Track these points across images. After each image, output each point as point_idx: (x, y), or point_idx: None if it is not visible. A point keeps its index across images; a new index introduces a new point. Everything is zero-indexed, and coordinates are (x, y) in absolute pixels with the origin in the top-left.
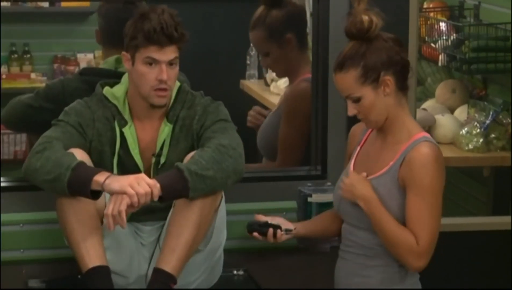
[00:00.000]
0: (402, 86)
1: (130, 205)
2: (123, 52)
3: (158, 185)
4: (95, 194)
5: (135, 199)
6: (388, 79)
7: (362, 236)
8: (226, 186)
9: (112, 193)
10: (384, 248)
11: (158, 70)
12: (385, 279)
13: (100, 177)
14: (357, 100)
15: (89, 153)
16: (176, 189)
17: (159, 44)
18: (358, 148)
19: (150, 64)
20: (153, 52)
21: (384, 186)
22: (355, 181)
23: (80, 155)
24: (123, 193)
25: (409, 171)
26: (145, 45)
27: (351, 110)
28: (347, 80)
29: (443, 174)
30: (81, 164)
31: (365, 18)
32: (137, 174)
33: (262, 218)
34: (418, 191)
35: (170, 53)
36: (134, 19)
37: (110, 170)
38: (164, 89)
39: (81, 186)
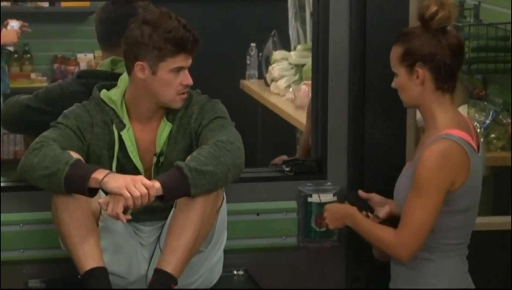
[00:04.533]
0: (439, 87)
1: (127, 207)
2: (138, 62)
3: (156, 185)
4: (91, 192)
5: (130, 202)
6: (422, 72)
7: None
8: (227, 180)
9: (108, 192)
10: None
11: (182, 76)
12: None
13: (99, 175)
14: (395, 75)
15: (88, 157)
16: (177, 187)
17: (189, 52)
18: None
19: (178, 71)
20: (182, 61)
21: (407, 178)
22: (332, 210)
23: (76, 156)
24: (119, 194)
25: (416, 171)
26: (174, 54)
27: (393, 82)
28: (393, 53)
29: (449, 173)
30: (80, 160)
31: (433, 8)
32: (137, 174)
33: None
34: (416, 185)
35: (191, 57)
36: (142, 25)
37: None
38: (186, 92)
39: (79, 183)
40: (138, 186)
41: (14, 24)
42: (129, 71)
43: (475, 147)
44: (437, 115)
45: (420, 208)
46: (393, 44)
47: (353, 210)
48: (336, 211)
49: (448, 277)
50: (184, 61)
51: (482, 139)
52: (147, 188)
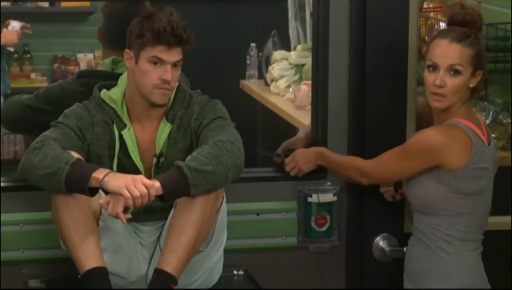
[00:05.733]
0: (472, 93)
1: (127, 206)
2: (126, 50)
3: (156, 185)
4: (92, 191)
5: (130, 202)
6: (480, 75)
7: (425, 221)
8: (227, 180)
9: (109, 192)
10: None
11: (162, 70)
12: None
13: (99, 174)
14: (455, 73)
15: (88, 157)
16: (176, 187)
17: (167, 44)
18: None
19: (155, 63)
20: (160, 52)
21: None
22: (301, 153)
23: (76, 156)
24: (119, 194)
25: None
26: (152, 44)
27: (442, 80)
28: (462, 52)
29: (440, 150)
30: (80, 160)
31: (479, 12)
32: (137, 174)
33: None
34: (408, 142)
35: (176, 54)
36: (140, 18)
37: None
38: (167, 88)
39: (79, 182)
40: (138, 186)
41: (15, 25)
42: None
43: (485, 141)
44: (459, 117)
45: (397, 160)
46: (452, 42)
47: (322, 149)
48: (306, 154)
49: (469, 271)
50: (163, 53)
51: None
52: (147, 188)
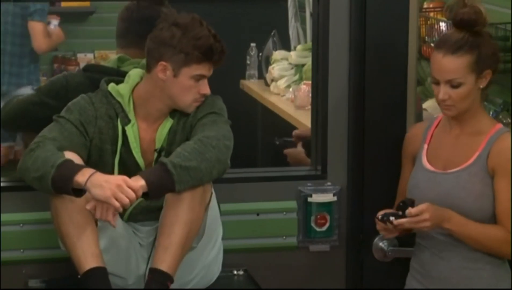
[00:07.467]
0: (485, 88)
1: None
2: (161, 62)
3: (142, 184)
4: (78, 192)
5: (121, 210)
6: (489, 74)
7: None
8: (211, 176)
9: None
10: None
11: (202, 85)
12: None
13: (81, 178)
14: (456, 86)
15: (89, 151)
16: (161, 184)
17: (214, 62)
18: (426, 146)
19: (198, 79)
20: (205, 69)
21: (476, 176)
22: (431, 210)
23: (71, 156)
24: (107, 203)
25: (500, 160)
26: (199, 62)
27: (444, 94)
28: (457, 65)
29: None
30: (67, 162)
31: (480, 9)
32: (119, 175)
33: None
34: (509, 179)
35: (213, 68)
36: (176, 31)
37: (111, 168)
38: (202, 100)
39: (63, 184)
40: (125, 192)
41: (55, 22)
42: (150, 69)
43: None
44: (482, 111)
45: None
46: (445, 55)
47: (450, 212)
48: (437, 213)
49: (509, 270)
50: (207, 70)
51: None
52: (133, 190)
